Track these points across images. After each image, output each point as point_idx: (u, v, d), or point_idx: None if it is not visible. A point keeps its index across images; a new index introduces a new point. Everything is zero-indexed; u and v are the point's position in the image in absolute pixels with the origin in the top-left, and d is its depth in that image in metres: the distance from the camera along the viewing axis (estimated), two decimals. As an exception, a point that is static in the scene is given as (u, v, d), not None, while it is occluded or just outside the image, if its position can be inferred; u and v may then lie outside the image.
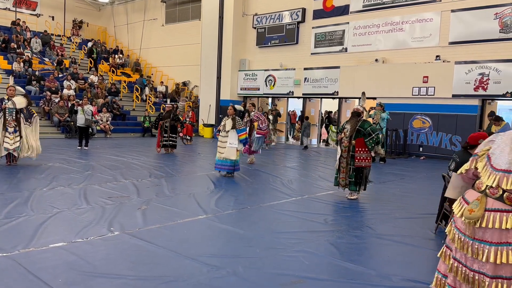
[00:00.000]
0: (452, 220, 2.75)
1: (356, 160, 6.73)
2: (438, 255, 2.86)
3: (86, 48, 24.47)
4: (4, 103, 8.76)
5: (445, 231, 2.85)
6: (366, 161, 6.77)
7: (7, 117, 8.72)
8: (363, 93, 7.69)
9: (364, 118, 7.04)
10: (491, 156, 2.60)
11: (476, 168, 2.70)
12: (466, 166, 2.81)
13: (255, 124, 10.78)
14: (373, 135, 6.70)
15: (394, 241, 4.85)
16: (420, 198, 7.36)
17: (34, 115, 9.21)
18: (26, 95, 9.58)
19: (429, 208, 6.33)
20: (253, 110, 11.09)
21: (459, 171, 2.91)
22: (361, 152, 6.73)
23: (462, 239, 2.58)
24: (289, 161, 13.04)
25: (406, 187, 8.60)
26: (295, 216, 5.82)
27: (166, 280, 3.47)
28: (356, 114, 6.92)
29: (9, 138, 8.69)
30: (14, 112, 8.79)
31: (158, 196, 6.66)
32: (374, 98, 15.70)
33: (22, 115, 8.93)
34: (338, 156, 7.03)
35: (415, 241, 4.89)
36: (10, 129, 8.73)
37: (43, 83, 18.69)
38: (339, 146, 7.04)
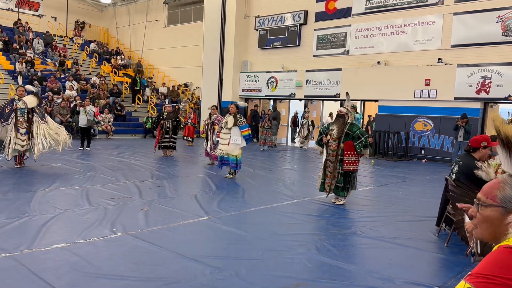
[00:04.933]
0: None
1: (345, 164, 6.63)
2: None
3: (88, 49, 24.53)
4: (15, 103, 8.75)
5: None
6: (354, 164, 6.70)
7: (18, 118, 8.69)
8: (347, 94, 7.47)
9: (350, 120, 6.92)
10: None
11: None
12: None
13: (216, 127, 10.25)
14: (362, 138, 6.63)
15: (397, 244, 4.85)
16: (422, 201, 7.35)
17: (45, 115, 9.21)
18: (36, 94, 9.57)
19: (431, 210, 6.31)
20: (216, 113, 10.83)
21: None
22: (350, 155, 6.65)
23: None
24: (291, 163, 13.05)
25: (408, 189, 8.59)
26: (297, 218, 5.82)
27: (168, 282, 3.47)
28: (341, 115, 6.82)
29: (20, 139, 8.66)
30: (25, 112, 8.77)
31: (160, 197, 6.67)
32: (376, 101, 15.72)
33: (35, 114, 8.89)
34: (323, 160, 6.88)
35: (418, 244, 4.89)
36: (22, 130, 8.68)
37: (45, 83, 18.73)
38: (325, 149, 6.87)
